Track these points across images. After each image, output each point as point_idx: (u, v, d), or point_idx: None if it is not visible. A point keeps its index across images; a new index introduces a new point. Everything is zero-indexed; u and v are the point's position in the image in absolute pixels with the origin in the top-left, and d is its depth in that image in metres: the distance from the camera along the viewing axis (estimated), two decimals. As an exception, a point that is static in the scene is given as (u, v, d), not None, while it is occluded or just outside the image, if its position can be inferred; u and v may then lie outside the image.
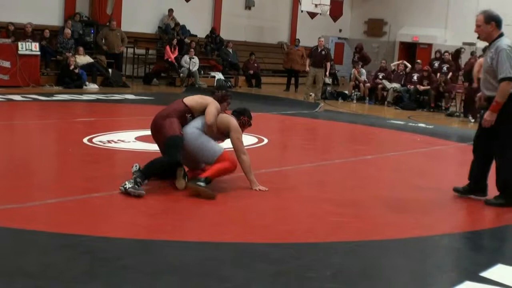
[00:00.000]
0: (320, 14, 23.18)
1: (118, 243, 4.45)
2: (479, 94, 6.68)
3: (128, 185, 5.68)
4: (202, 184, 5.87)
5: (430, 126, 13.52)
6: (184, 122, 6.22)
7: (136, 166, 6.01)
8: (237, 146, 6.27)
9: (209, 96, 6.46)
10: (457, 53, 20.79)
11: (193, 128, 6.18)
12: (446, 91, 17.62)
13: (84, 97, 14.46)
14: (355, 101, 18.66)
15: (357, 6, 29.41)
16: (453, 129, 14.07)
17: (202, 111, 6.27)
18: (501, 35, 6.33)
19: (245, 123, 6.52)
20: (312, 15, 25.39)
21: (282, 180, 7.28)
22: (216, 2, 23.26)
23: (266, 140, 9.66)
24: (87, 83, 16.79)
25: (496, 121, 6.25)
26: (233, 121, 6.34)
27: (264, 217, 5.48)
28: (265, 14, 25.31)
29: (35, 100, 13.20)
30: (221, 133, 6.33)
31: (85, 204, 5.45)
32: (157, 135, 6.21)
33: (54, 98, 13.84)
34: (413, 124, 13.75)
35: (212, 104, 6.27)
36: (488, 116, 6.26)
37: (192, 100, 6.37)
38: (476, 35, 6.50)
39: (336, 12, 27.23)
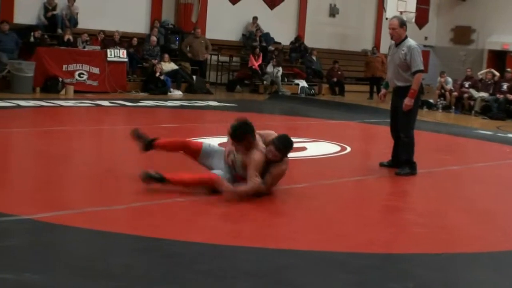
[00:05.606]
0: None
1: (196, 247, 4.48)
2: (382, 92, 8.22)
3: None
4: (153, 174, 5.87)
5: (521, 137, 13.04)
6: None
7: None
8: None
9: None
10: None
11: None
12: (539, 101, 16.98)
13: (169, 103, 14.73)
14: (440, 110, 18.24)
15: (443, 13, 28.76)
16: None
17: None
18: (407, 36, 7.63)
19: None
20: (397, 22, 24.98)
21: (364, 189, 7.19)
22: (300, 9, 23.27)
23: (349, 149, 9.56)
24: (171, 89, 17.09)
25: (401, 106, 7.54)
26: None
27: (344, 226, 5.41)
28: (349, 21, 25.12)
29: (122, 106, 13.54)
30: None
31: (168, 208, 5.53)
32: None
33: (139, 104, 14.16)
34: (502, 135, 13.29)
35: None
36: (409, 102, 7.47)
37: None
38: None
39: (421, 19, 26.74)
